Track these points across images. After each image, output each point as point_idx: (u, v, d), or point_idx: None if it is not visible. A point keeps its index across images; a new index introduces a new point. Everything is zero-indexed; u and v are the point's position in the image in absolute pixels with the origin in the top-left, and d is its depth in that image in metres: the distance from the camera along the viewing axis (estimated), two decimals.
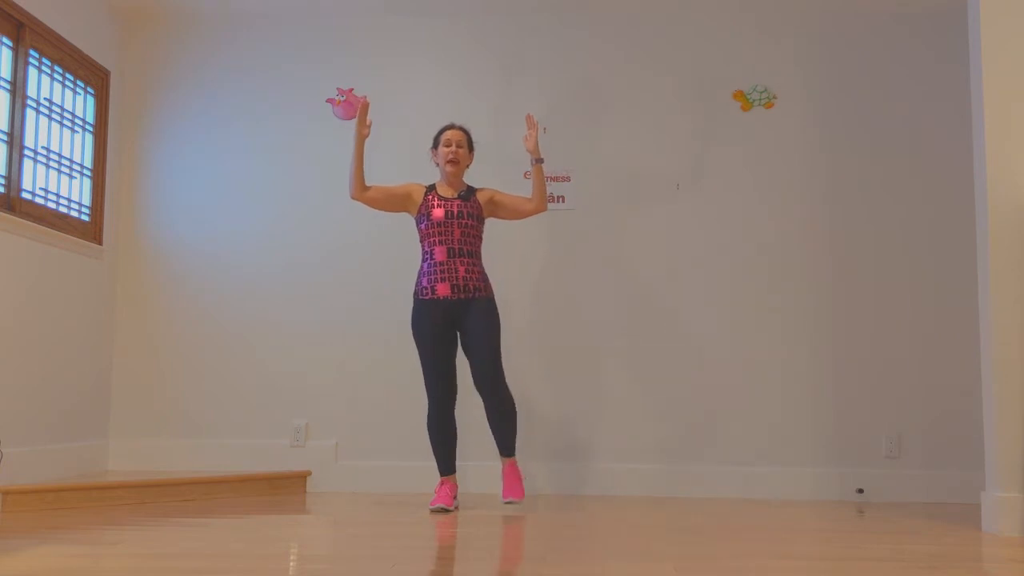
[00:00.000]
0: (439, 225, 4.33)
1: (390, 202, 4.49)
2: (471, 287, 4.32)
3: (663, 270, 5.21)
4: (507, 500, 4.30)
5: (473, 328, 4.32)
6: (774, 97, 5.27)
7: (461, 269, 4.32)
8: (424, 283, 4.34)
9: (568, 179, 5.24)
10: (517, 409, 4.40)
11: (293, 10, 5.37)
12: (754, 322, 5.15)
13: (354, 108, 5.34)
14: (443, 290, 4.30)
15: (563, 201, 5.24)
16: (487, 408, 4.36)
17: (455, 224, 4.34)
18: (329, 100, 5.39)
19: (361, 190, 4.42)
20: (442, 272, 4.31)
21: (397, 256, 5.23)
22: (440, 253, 4.33)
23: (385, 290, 5.22)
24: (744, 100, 5.29)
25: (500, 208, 4.50)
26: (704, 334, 5.16)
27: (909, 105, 5.22)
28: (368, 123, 4.42)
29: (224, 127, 5.40)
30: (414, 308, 4.38)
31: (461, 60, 5.39)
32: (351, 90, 5.39)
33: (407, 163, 5.23)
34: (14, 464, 4.34)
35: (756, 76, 5.29)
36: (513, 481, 4.33)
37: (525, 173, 5.16)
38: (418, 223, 4.41)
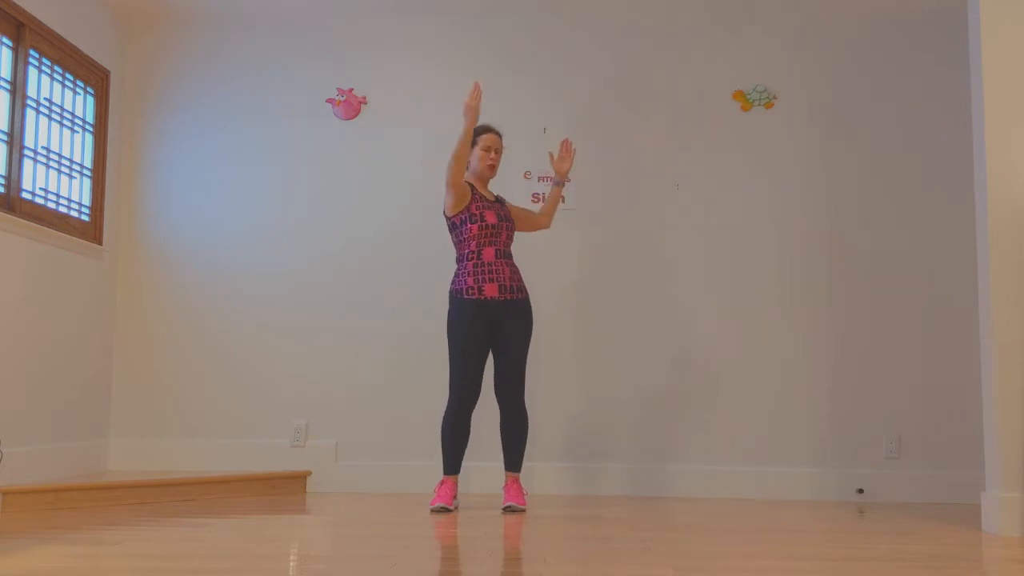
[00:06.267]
0: (491, 227, 4.35)
1: (464, 193, 4.36)
2: (515, 287, 4.37)
3: (662, 271, 5.21)
4: (507, 504, 4.27)
5: (510, 330, 4.35)
6: (774, 97, 5.28)
7: (507, 270, 4.37)
8: (470, 283, 4.32)
9: (568, 179, 5.22)
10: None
11: (293, 10, 5.37)
12: (754, 321, 5.15)
13: (354, 108, 5.36)
14: (491, 291, 4.31)
15: (563, 201, 5.22)
16: (505, 418, 4.38)
17: (503, 228, 4.40)
18: (329, 100, 5.39)
19: (462, 178, 4.33)
20: (491, 272, 4.32)
21: (398, 256, 5.24)
22: (489, 254, 4.34)
23: (385, 290, 5.23)
24: (744, 100, 5.29)
25: (516, 219, 4.56)
26: (703, 334, 5.16)
27: (909, 105, 5.23)
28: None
29: (224, 127, 5.40)
30: (454, 308, 4.36)
31: (462, 60, 5.39)
32: (351, 90, 5.39)
33: (407, 163, 5.24)
34: (14, 464, 4.34)
35: (756, 76, 5.29)
36: (516, 492, 4.31)
37: (525, 173, 5.18)
38: (466, 222, 4.34)
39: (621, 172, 5.28)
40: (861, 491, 4.97)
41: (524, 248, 5.13)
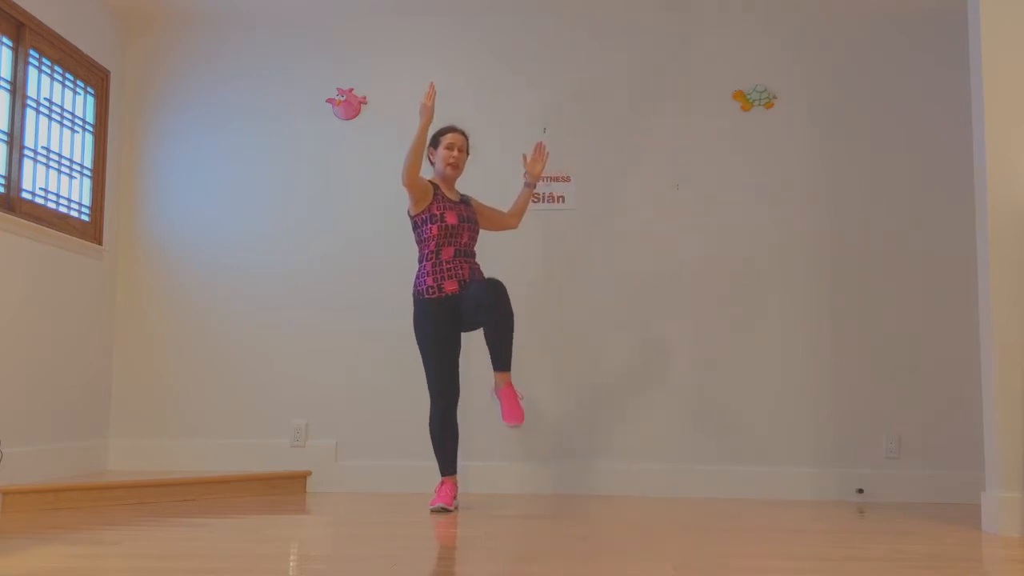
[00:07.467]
0: (451, 228, 4.33)
1: (424, 192, 4.35)
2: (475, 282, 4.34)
3: (663, 270, 5.20)
4: (510, 424, 4.14)
5: (470, 286, 4.27)
6: (774, 97, 5.28)
7: (466, 267, 4.35)
8: (430, 282, 4.31)
9: (568, 179, 5.24)
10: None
11: (293, 10, 5.37)
12: (754, 321, 5.15)
13: (354, 108, 5.36)
14: (451, 287, 4.30)
15: (563, 201, 5.24)
16: (493, 320, 4.14)
17: (465, 229, 4.38)
18: (329, 100, 5.39)
19: (418, 176, 4.28)
20: (450, 270, 4.31)
21: (397, 256, 5.22)
22: (447, 253, 4.33)
23: (385, 290, 5.22)
24: (744, 100, 5.29)
25: (482, 218, 4.56)
26: (703, 334, 5.15)
27: (909, 105, 5.23)
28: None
29: (224, 127, 5.40)
30: (418, 310, 4.36)
31: (461, 60, 5.39)
32: (351, 90, 5.39)
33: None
34: (14, 464, 4.34)
35: (756, 76, 5.29)
36: (513, 403, 4.15)
37: (525, 174, 5.17)
38: (426, 222, 4.34)
39: (621, 172, 5.28)
40: (861, 491, 4.96)
41: (525, 247, 5.14)
